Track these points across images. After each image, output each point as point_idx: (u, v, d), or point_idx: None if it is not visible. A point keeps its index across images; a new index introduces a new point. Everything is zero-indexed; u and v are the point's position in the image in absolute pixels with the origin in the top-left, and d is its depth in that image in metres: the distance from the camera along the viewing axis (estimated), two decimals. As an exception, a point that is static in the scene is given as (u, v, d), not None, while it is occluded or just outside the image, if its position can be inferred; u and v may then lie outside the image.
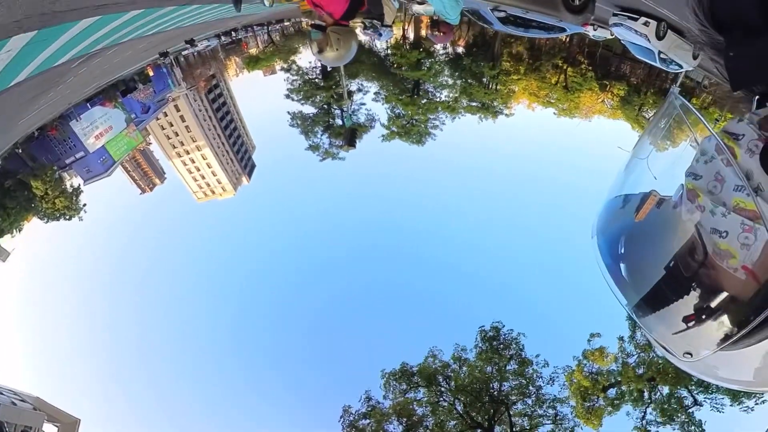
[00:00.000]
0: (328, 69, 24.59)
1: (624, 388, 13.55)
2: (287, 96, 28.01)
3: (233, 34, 28.88)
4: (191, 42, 22.71)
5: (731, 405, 12.40)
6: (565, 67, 26.88)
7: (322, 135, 27.20)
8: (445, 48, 27.07)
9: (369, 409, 12.55)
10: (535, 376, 13.12)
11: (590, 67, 26.15)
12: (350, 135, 15.78)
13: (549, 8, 5.46)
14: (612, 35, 11.38)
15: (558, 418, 12.79)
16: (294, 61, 29.23)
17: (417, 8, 4.36)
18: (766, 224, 0.60)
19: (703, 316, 0.72)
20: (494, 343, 13.10)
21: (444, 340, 25.33)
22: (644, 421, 13.04)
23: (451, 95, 28.01)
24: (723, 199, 0.67)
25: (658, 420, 12.86)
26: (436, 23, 4.55)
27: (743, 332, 0.66)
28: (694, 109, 0.82)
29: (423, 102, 27.40)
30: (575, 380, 13.67)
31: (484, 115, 27.93)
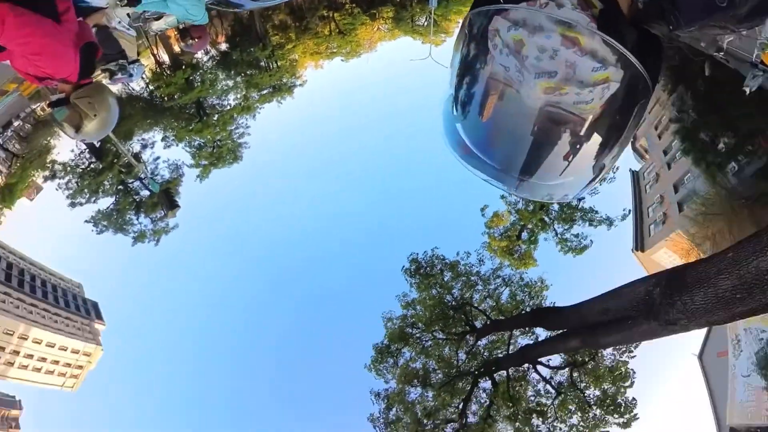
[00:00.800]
0: (97, 145, 20.44)
1: (529, 226, 16.28)
2: (72, 205, 22.54)
3: (-39, 175, 22.04)
4: None
5: (600, 184, 15.94)
6: (331, 15, 27.42)
7: (138, 219, 22.37)
8: (207, 53, 24.83)
9: (386, 401, 12.68)
10: (467, 268, 14.33)
11: (354, 5, 27.16)
12: (166, 198, 13.98)
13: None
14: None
15: (506, 280, 14.44)
16: (54, 162, 23.41)
17: (157, 25, 3.65)
18: (617, 82, 0.78)
19: (578, 146, 0.86)
20: (421, 271, 14.01)
21: (385, 301, 26.08)
22: (558, 236, 16.17)
23: (238, 96, 26.35)
24: (580, 79, 0.78)
25: (566, 227, 16.10)
26: (185, 32, 3.95)
27: (614, 142, 0.81)
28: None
29: (215, 119, 25.03)
30: (495, 247, 15.84)
31: (279, 97, 27.18)
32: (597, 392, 11.95)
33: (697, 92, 13.47)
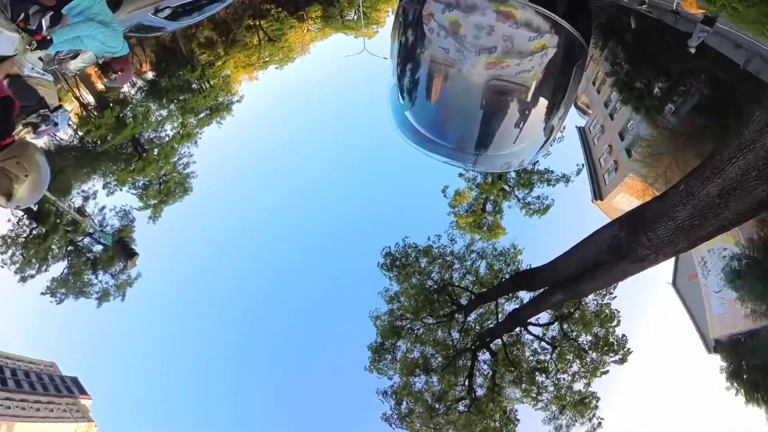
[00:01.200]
0: (35, 208, 18.82)
1: (492, 197, 16.63)
2: (23, 279, 20.54)
3: None
4: None
5: (552, 145, 16.62)
6: (258, 23, 26.46)
7: (97, 277, 20.84)
8: (134, 85, 23.37)
9: (394, 396, 12.79)
10: (440, 250, 14.39)
11: (279, 9, 26.36)
12: (122, 249, 13.23)
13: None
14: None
15: (481, 253, 14.68)
16: (-9, 237, 21.32)
17: (75, 64, 3.28)
18: (554, 48, 0.77)
19: (526, 113, 0.86)
20: (397, 263, 14.01)
21: (370, 301, 25.70)
22: (521, 201, 16.56)
23: (175, 125, 24.98)
24: (519, 50, 0.78)
25: (526, 192, 16.53)
26: (106, 66, 3.71)
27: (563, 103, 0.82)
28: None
29: (155, 154, 23.39)
30: (463, 224, 15.95)
31: (218, 117, 26.11)
32: (589, 337, 12.59)
33: (627, 45, 14.32)
